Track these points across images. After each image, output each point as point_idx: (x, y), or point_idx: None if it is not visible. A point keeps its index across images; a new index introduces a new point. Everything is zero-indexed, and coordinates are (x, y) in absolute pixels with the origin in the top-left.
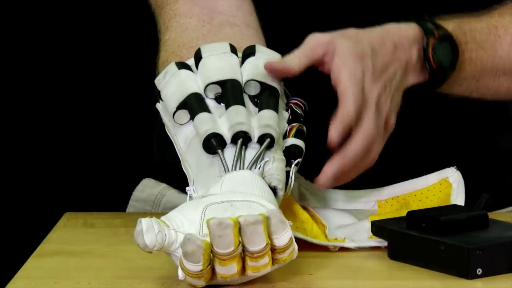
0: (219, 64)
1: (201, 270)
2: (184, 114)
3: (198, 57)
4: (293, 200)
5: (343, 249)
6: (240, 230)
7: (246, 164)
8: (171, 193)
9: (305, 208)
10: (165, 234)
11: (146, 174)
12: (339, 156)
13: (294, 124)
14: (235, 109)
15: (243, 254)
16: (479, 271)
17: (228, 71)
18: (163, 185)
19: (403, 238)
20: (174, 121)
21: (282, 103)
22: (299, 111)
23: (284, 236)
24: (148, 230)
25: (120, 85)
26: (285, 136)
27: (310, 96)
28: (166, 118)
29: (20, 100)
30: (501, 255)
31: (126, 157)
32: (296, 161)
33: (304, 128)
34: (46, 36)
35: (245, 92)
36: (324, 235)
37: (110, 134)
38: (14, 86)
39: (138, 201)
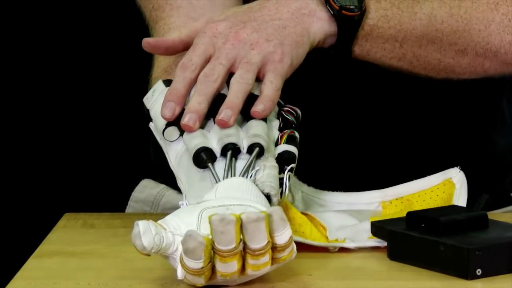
0: None
1: (202, 268)
2: (174, 131)
3: None
4: (289, 205)
5: (343, 249)
6: (241, 227)
7: (237, 174)
8: (170, 194)
9: (304, 213)
10: (163, 237)
11: (145, 174)
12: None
13: (285, 131)
14: None
15: (244, 253)
16: (478, 272)
17: None
18: (162, 185)
19: (403, 239)
20: (164, 138)
21: (273, 111)
22: (290, 118)
23: (284, 234)
24: (146, 232)
25: (119, 86)
26: (277, 144)
27: (308, 101)
28: (158, 137)
29: (20, 101)
30: (501, 256)
31: (125, 157)
32: (289, 166)
33: (296, 133)
34: (47, 38)
35: None
36: (325, 237)
37: (109, 135)
38: (14, 86)
39: (137, 202)
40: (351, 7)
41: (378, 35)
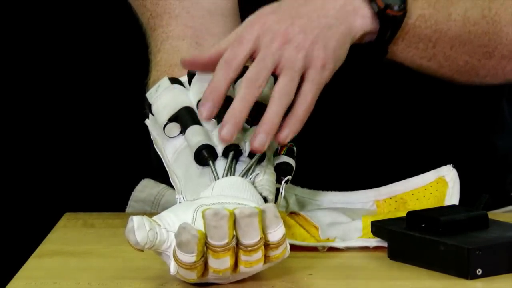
0: None
1: (195, 262)
2: (174, 127)
3: (191, 73)
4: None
5: (335, 249)
6: (235, 222)
7: (237, 175)
8: (170, 193)
9: (296, 213)
10: (157, 232)
11: (146, 174)
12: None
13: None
14: None
15: (236, 249)
16: (479, 272)
17: None
18: (162, 185)
19: (403, 238)
20: (164, 134)
21: None
22: None
23: (277, 231)
24: (140, 227)
25: (120, 86)
26: (276, 154)
27: None
28: (154, 133)
29: (20, 101)
30: (501, 256)
31: (125, 157)
32: (286, 178)
33: (295, 148)
34: (47, 38)
35: None
36: (317, 236)
37: (109, 135)
38: (14, 86)
39: (137, 201)
40: (395, 7)
41: (414, 35)
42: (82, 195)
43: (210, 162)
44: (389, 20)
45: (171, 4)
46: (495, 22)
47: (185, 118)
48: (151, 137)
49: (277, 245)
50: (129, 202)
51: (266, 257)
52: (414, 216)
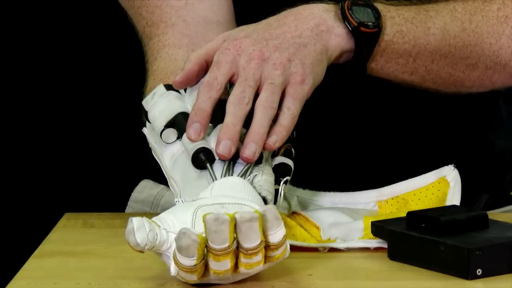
0: None
1: (195, 265)
2: (171, 133)
3: None
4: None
5: (335, 249)
6: (235, 226)
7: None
8: (169, 194)
9: (297, 214)
10: (156, 234)
11: (146, 174)
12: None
13: (283, 144)
14: None
15: (237, 251)
16: (479, 272)
17: None
18: (162, 186)
19: (403, 239)
20: (162, 140)
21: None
22: None
23: (278, 232)
24: (139, 228)
25: (119, 87)
26: (274, 155)
27: (305, 107)
28: (152, 140)
29: (20, 101)
30: (501, 256)
31: (125, 157)
32: (285, 179)
33: (293, 149)
34: (47, 39)
35: None
36: (318, 237)
37: (109, 135)
38: (14, 86)
39: (136, 202)
40: (369, 23)
41: (393, 51)
42: (82, 195)
43: (208, 165)
44: (364, 37)
45: (167, 12)
46: (476, 34)
47: (181, 123)
48: (150, 145)
49: (278, 246)
50: (129, 202)
51: (267, 257)
52: (414, 216)
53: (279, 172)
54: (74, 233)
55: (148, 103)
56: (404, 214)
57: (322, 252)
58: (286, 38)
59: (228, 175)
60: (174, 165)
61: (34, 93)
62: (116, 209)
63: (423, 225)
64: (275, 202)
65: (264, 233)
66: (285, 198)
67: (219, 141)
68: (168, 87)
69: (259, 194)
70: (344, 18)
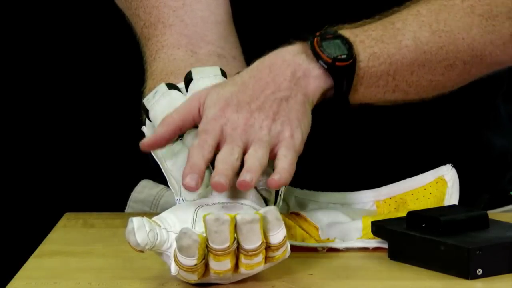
0: (210, 85)
1: (195, 265)
2: None
3: (188, 79)
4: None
5: (335, 249)
6: (236, 227)
7: None
8: (169, 194)
9: (296, 213)
10: (157, 233)
11: (146, 174)
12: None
13: None
14: None
15: (237, 252)
16: (479, 272)
17: None
18: (161, 186)
19: (403, 238)
20: None
21: None
22: None
23: (279, 233)
24: (140, 228)
25: (119, 87)
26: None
27: None
28: None
29: (20, 101)
30: (501, 256)
31: (126, 157)
32: None
33: None
34: (48, 39)
35: None
36: (317, 236)
37: (109, 135)
38: (14, 86)
39: (136, 202)
40: (343, 56)
41: (371, 75)
42: (82, 195)
43: (209, 164)
44: (341, 72)
45: (165, 13)
46: (447, 33)
47: None
48: None
49: (278, 247)
50: (128, 202)
51: (267, 258)
52: (414, 216)
53: None
54: (74, 233)
55: (149, 101)
56: (402, 214)
57: (321, 252)
58: (267, 96)
59: None
60: (174, 163)
61: (34, 93)
62: (116, 209)
63: (423, 225)
64: (275, 203)
65: (265, 234)
66: (283, 199)
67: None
68: (170, 86)
69: (260, 194)
70: (317, 57)
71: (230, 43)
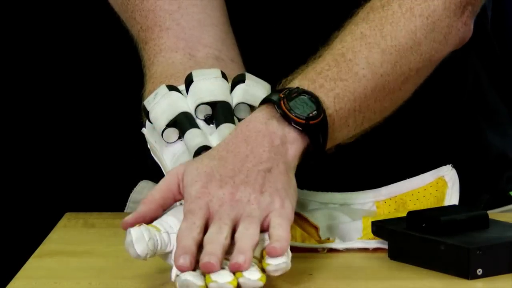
0: (211, 86)
1: None
2: (173, 133)
3: (189, 80)
4: None
5: (335, 249)
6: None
7: None
8: None
9: (297, 214)
10: (157, 240)
11: (145, 174)
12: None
13: None
14: (227, 126)
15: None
16: (479, 271)
17: (219, 93)
18: None
19: (403, 238)
20: (163, 140)
21: None
22: None
23: (283, 271)
24: (138, 239)
25: (120, 87)
26: None
27: None
28: (152, 140)
29: (20, 101)
30: (501, 255)
31: (125, 157)
32: None
33: None
34: (48, 39)
35: (235, 116)
36: (317, 236)
37: (109, 135)
38: (14, 86)
39: (135, 203)
40: (313, 113)
41: (340, 118)
42: (83, 195)
43: None
44: (316, 129)
45: (161, 16)
46: (395, 46)
47: (183, 122)
48: (148, 146)
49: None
50: (127, 203)
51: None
52: (415, 216)
53: None
54: (75, 233)
55: (149, 103)
56: (402, 214)
57: (321, 252)
58: (250, 169)
59: None
60: (175, 164)
61: (34, 93)
62: (116, 209)
63: (424, 225)
64: None
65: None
66: None
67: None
68: (171, 87)
69: None
70: (289, 120)
71: (227, 46)
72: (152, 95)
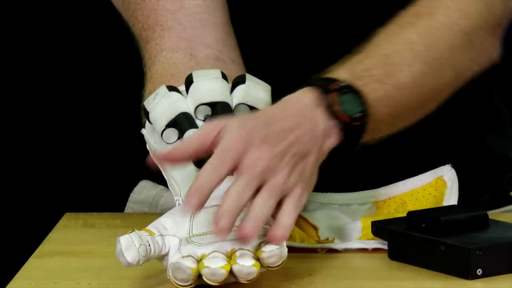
0: (211, 87)
1: (190, 284)
2: (172, 133)
3: (189, 81)
4: None
5: (335, 249)
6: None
7: None
8: (168, 195)
9: None
10: (149, 245)
11: (145, 175)
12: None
13: None
14: None
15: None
16: (479, 272)
17: (219, 94)
18: (161, 187)
19: (403, 239)
20: (162, 140)
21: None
22: None
23: (279, 263)
24: (128, 248)
25: (120, 86)
26: None
27: None
28: (152, 141)
29: (20, 100)
30: (501, 256)
31: (125, 157)
32: None
33: None
34: (48, 39)
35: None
36: (316, 237)
37: (109, 135)
38: (14, 86)
39: (135, 203)
40: (358, 115)
41: (375, 121)
42: (82, 195)
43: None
44: (356, 130)
45: (163, 16)
46: (436, 60)
47: (183, 123)
48: (147, 147)
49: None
50: (127, 203)
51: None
52: (415, 216)
53: None
54: (74, 233)
55: (149, 103)
56: (402, 215)
57: (321, 252)
58: (290, 146)
59: None
60: None
61: (34, 93)
62: (116, 209)
63: (423, 225)
64: None
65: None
66: None
67: (216, 220)
68: (171, 88)
69: None
70: (334, 115)
71: (228, 46)
72: (152, 95)
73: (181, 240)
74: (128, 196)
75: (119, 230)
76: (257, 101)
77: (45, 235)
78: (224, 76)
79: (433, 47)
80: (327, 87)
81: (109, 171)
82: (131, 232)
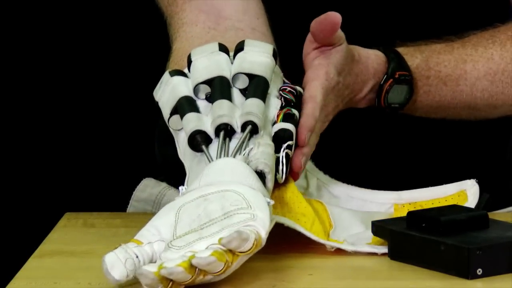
0: (207, 63)
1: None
2: (178, 119)
3: (189, 61)
4: (296, 192)
5: (338, 249)
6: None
7: (231, 155)
8: (171, 193)
9: (320, 203)
10: (137, 256)
11: (147, 173)
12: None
13: (281, 109)
14: (218, 103)
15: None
16: (479, 271)
17: (214, 69)
18: (164, 184)
19: (404, 238)
20: (171, 129)
21: (275, 91)
22: (288, 96)
23: (247, 245)
24: (113, 266)
25: (121, 85)
26: (275, 123)
27: None
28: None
29: (20, 100)
30: (501, 255)
31: (126, 157)
32: (286, 144)
33: (294, 111)
34: (47, 37)
35: (235, 86)
36: (327, 234)
37: (110, 134)
38: (14, 86)
39: (138, 201)
40: (396, 105)
41: (415, 107)
42: (83, 195)
43: (203, 147)
44: (387, 112)
45: None
46: (505, 83)
47: (182, 107)
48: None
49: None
50: (130, 201)
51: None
52: (415, 216)
53: (279, 138)
54: (75, 233)
55: (157, 92)
56: None
57: (329, 250)
58: (348, 89)
59: (224, 153)
60: (185, 151)
61: (35, 93)
62: (117, 209)
63: (424, 225)
64: (276, 171)
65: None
66: (305, 176)
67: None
68: (173, 72)
69: (256, 168)
70: (378, 95)
71: (249, 15)
72: (158, 84)
73: (166, 244)
74: (129, 195)
75: (119, 230)
76: (253, 65)
77: (45, 235)
78: (222, 48)
79: (506, 72)
80: (393, 72)
81: (110, 170)
82: (116, 248)
